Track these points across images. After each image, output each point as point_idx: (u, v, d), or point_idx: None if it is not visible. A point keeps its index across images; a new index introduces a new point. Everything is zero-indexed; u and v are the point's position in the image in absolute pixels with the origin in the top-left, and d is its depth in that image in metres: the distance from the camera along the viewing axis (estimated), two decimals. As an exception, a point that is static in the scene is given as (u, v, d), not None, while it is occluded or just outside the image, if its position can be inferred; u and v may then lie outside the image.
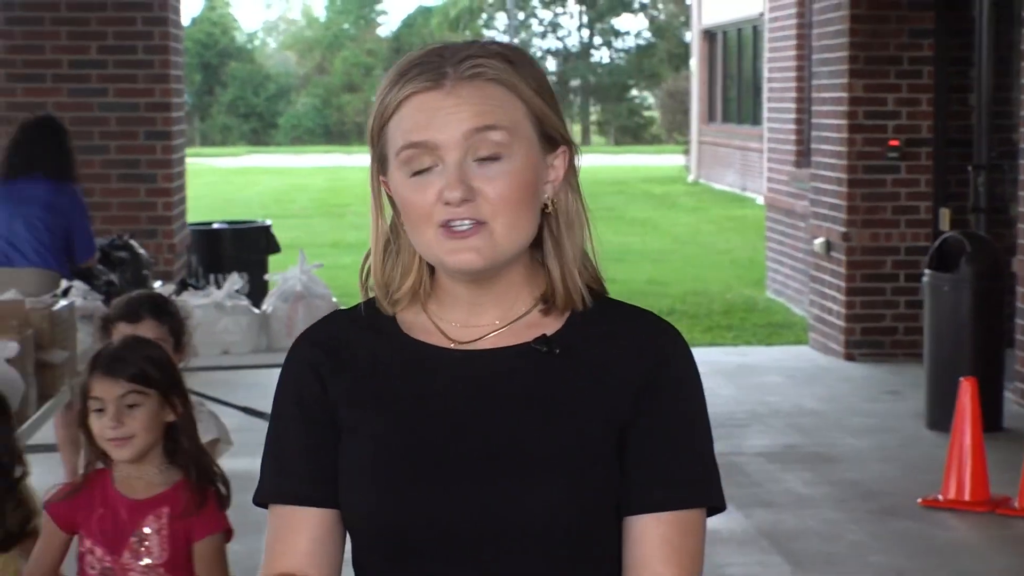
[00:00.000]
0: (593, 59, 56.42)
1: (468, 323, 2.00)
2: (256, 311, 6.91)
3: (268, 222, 12.67)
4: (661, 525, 1.96)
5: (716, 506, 2.01)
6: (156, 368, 3.67)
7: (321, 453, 2.03)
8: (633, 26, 58.67)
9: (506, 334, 1.99)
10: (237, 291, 6.89)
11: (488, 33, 53.43)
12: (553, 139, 1.96)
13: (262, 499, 2.06)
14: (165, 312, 4.42)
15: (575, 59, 57.36)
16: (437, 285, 2.00)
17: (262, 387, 7.35)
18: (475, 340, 1.99)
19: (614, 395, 1.95)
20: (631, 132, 55.05)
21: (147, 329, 4.21)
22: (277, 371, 6.11)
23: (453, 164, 1.89)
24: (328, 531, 2.08)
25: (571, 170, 2.00)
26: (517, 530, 1.92)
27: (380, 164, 1.97)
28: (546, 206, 1.96)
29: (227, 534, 3.65)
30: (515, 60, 1.94)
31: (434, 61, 1.92)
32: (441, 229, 1.90)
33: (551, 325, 1.99)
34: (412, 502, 1.94)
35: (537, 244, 1.99)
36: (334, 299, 6.95)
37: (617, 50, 56.62)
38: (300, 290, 6.85)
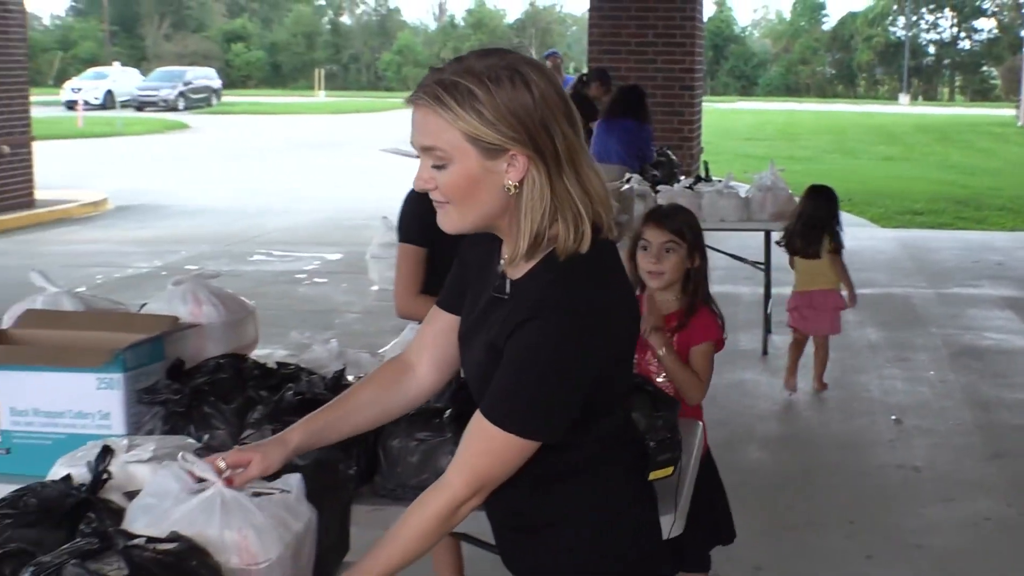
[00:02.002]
0: (959, 46, 79.45)
1: (505, 252, 2.30)
2: (741, 196, 8.63)
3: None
4: (472, 423, 2.23)
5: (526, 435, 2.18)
6: (690, 229, 4.15)
7: (460, 279, 2.46)
8: (986, 25, 79.97)
9: (510, 271, 2.29)
10: (729, 185, 8.83)
11: (891, 29, 78.88)
12: (498, 149, 2.13)
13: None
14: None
15: (948, 46, 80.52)
16: None
17: (743, 243, 10.03)
18: (502, 265, 2.30)
19: (506, 329, 2.19)
20: (981, 93, 73.84)
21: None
22: (751, 234, 9.05)
23: (423, 162, 2.20)
24: (446, 332, 2.47)
25: (541, 167, 2.14)
26: (473, 392, 2.33)
27: None
28: (510, 189, 2.16)
29: (717, 344, 4.09)
30: (475, 91, 2.11)
31: (422, 82, 2.18)
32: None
33: (519, 272, 2.26)
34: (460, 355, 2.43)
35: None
36: (790, 191, 8.67)
37: (974, 40, 79.64)
38: (768, 184, 8.65)
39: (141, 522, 2.13)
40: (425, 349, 2.50)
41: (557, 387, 2.16)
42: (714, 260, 4.80)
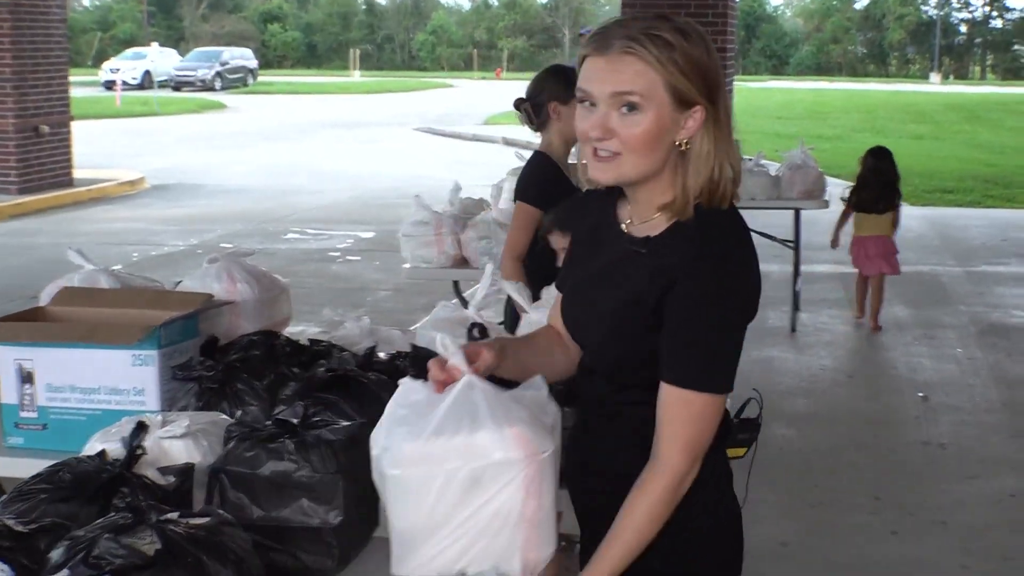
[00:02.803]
0: (991, 25, 79.01)
1: (633, 211, 2.33)
2: (772, 175, 8.68)
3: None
4: (664, 396, 2.21)
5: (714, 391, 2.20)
6: None
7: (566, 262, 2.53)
8: (1018, 4, 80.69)
9: (640, 228, 2.30)
10: (760, 163, 8.83)
11: (923, 8, 77.47)
12: (688, 101, 2.18)
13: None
14: None
15: (979, 25, 79.38)
16: None
17: (773, 221, 10.02)
18: (631, 224, 2.33)
19: (655, 286, 2.20)
20: (1012, 72, 73.83)
21: None
22: (781, 212, 9.05)
23: (602, 111, 2.19)
24: None
25: (713, 122, 2.20)
26: (589, 353, 2.35)
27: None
28: (680, 145, 2.21)
29: None
30: (670, 43, 2.15)
31: (602, 37, 2.19)
32: (592, 152, 2.22)
33: (659, 228, 2.27)
34: (567, 318, 2.43)
35: (675, 171, 2.24)
36: (819, 169, 8.69)
37: (1007, 20, 78.89)
38: (798, 163, 8.65)
39: (401, 432, 2.07)
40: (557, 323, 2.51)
41: (730, 339, 2.21)
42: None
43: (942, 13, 76.60)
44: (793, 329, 8.92)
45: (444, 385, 2.09)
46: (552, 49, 75.26)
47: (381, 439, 2.10)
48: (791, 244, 9.18)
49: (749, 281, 2.23)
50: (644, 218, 2.29)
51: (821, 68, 73.85)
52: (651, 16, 2.21)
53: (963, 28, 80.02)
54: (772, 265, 10.84)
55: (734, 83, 15.00)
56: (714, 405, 2.20)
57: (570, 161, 4.72)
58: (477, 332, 3.13)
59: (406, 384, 2.15)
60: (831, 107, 37.27)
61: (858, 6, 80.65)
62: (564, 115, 4.63)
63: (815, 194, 8.72)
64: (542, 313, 3.68)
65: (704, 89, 2.18)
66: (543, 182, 4.63)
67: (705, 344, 2.18)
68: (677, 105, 2.17)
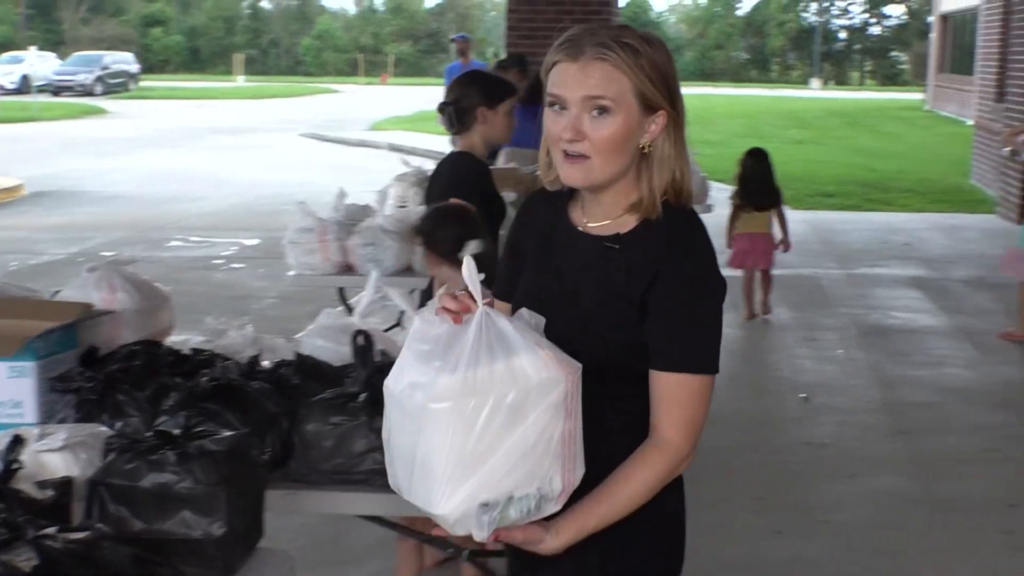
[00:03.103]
0: (869, 32, 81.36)
1: (590, 211, 2.41)
2: None
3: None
4: (663, 380, 2.30)
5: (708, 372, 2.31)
6: None
7: (507, 269, 2.53)
8: (895, 11, 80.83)
9: (605, 226, 2.38)
10: None
11: (803, 15, 79.29)
12: (653, 106, 2.28)
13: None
14: None
15: (858, 32, 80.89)
16: None
17: None
18: (590, 226, 2.40)
19: (638, 280, 2.29)
20: (890, 78, 75.14)
21: None
22: None
23: (574, 113, 2.28)
24: None
25: (673, 126, 2.32)
26: (568, 352, 2.18)
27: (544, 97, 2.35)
28: (644, 148, 2.31)
29: None
30: (637, 50, 2.26)
31: (574, 44, 2.27)
32: (562, 153, 2.31)
33: (628, 226, 2.35)
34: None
35: (638, 172, 2.33)
36: (703, 174, 8.58)
37: (885, 26, 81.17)
38: None
39: (433, 366, 2.06)
40: None
41: (717, 321, 2.32)
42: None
43: (822, 20, 78.11)
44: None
45: (460, 316, 2.12)
46: (438, 54, 75.24)
47: (408, 376, 2.11)
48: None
49: (719, 270, 2.37)
50: (610, 217, 2.37)
51: (705, 74, 74.83)
52: (617, 25, 2.33)
53: (842, 35, 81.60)
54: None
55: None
56: (710, 385, 2.33)
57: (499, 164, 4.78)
58: (362, 339, 3.12)
59: (423, 319, 2.16)
60: (715, 113, 37.76)
61: (740, 13, 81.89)
62: (490, 120, 4.79)
63: (699, 199, 8.82)
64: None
65: (667, 94, 2.30)
66: (476, 180, 4.73)
67: (698, 328, 2.30)
68: (643, 109, 2.28)
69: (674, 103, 2.32)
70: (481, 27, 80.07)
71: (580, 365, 2.14)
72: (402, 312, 3.78)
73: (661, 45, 2.31)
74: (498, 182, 6.37)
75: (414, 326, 2.16)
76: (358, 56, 73.06)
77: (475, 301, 2.11)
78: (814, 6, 79.59)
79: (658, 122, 2.30)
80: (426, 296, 4.72)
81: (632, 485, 2.28)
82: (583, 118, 2.27)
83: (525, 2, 13.89)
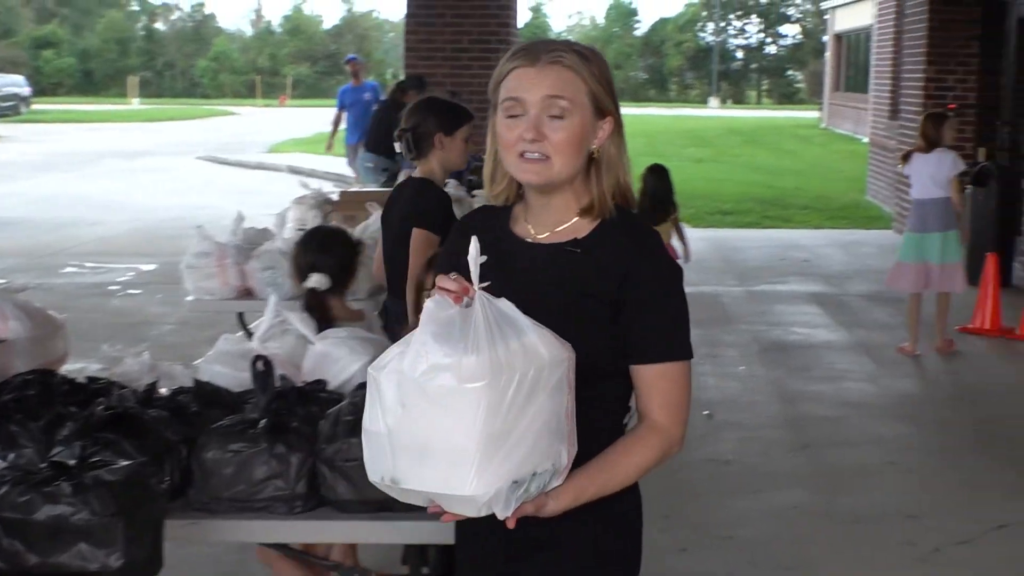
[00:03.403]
0: (766, 51, 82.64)
1: (539, 222, 2.48)
2: None
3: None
4: (648, 372, 2.40)
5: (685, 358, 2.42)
6: None
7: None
8: (791, 31, 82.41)
9: (557, 234, 2.46)
10: None
11: (700, 35, 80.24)
12: (603, 111, 2.41)
13: None
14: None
15: (755, 51, 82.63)
16: (525, 194, 2.49)
17: None
18: (540, 235, 2.47)
19: (607, 280, 2.38)
20: (787, 96, 76.52)
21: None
22: None
23: (533, 115, 2.37)
24: None
25: (617, 132, 2.45)
26: None
27: (494, 109, 2.43)
28: (593, 152, 2.43)
29: None
30: (588, 57, 2.40)
31: (530, 52, 2.39)
32: (519, 156, 2.39)
33: (585, 230, 2.44)
34: None
35: (587, 176, 2.44)
36: None
37: (780, 46, 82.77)
38: None
39: (456, 347, 2.10)
40: None
41: (686, 308, 2.45)
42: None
43: (719, 40, 79.11)
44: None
45: (460, 297, 2.16)
46: (336, 76, 74.96)
47: (428, 359, 2.11)
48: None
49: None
50: (561, 223, 2.46)
51: (604, 94, 75.59)
52: (561, 39, 2.52)
53: (739, 54, 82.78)
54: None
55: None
56: (689, 369, 2.45)
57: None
58: (261, 365, 3.10)
59: (436, 302, 2.18)
60: (615, 132, 38.08)
61: (638, 33, 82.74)
62: (447, 146, 4.92)
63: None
64: (330, 344, 3.66)
65: (612, 101, 2.43)
66: (439, 208, 4.78)
67: (676, 318, 2.42)
68: (595, 112, 2.41)
69: (618, 110, 2.45)
70: (380, 48, 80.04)
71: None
72: (301, 336, 3.75)
73: (602, 56, 2.45)
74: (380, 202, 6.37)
75: (427, 308, 2.17)
76: (255, 78, 72.59)
77: (471, 284, 2.16)
78: (711, 26, 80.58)
79: (605, 127, 2.43)
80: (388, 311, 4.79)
81: (632, 459, 2.39)
82: (542, 119, 2.37)
83: (423, 23, 13.93)
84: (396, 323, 4.70)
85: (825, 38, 45.18)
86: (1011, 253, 11.47)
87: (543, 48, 2.40)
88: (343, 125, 16.00)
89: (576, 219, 2.45)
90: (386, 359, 2.17)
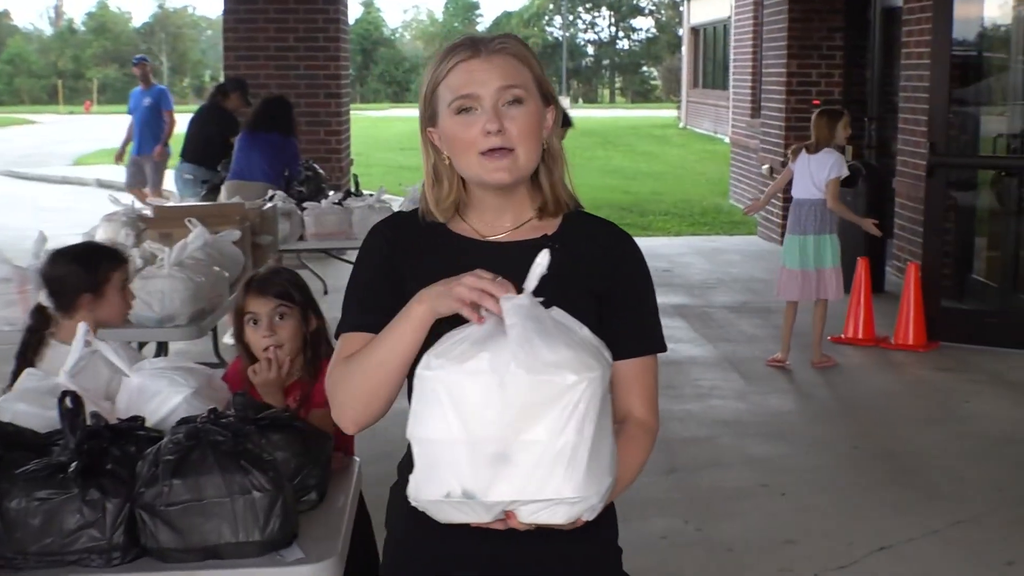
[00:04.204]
0: (618, 46, 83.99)
1: (492, 224, 2.52)
2: (395, 210, 9.18)
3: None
4: (631, 366, 2.50)
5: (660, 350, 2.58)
6: (297, 288, 4.08)
7: (380, 296, 2.49)
8: (644, 24, 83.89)
9: (519, 232, 2.52)
10: (382, 199, 8.97)
11: (548, 29, 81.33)
12: (547, 99, 2.49)
13: (339, 332, 2.53)
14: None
15: (606, 46, 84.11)
16: (471, 197, 2.52)
17: None
18: (497, 235, 2.52)
19: (593, 274, 2.48)
20: (642, 95, 78.21)
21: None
22: None
23: (490, 107, 2.40)
24: None
25: (555, 124, 2.52)
26: None
27: (430, 119, 2.48)
28: (544, 144, 2.49)
29: None
30: (527, 45, 2.49)
31: (471, 43, 2.45)
32: (482, 156, 2.41)
33: (550, 227, 2.53)
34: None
35: (535, 173, 2.50)
36: None
37: (633, 40, 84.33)
38: None
39: (549, 345, 2.15)
40: None
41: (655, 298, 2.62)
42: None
43: (568, 35, 79.83)
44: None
45: (496, 303, 2.22)
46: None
47: (537, 355, 2.15)
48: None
49: None
50: (518, 222, 2.53)
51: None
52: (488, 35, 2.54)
53: (590, 50, 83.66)
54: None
55: (351, 113, 15.13)
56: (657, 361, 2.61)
57: None
58: (70, 402, 3.01)
59: (513, 300, 2.21)
60: (457, 136, 38.27)
61: (481, 27, 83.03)
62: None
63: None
64: (147, 376, 3.58)
65: (551, 90, 2.52)
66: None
67: (652, 311, 2.58)
68: (542, 99, 2.49)
69: (558, 103, 2.55)
70: (196, 48, 79.14)
71: None
72: (116, 368, 3.66)
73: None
74: (219, 219, 6.27)
75: (512, 306, 2.19)
76: (57, 82, 71.21)
77: (520, 291, 2.23)
78: (559, 20, 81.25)
79: (550, 117, 2.51)
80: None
81: (631, 462, 2.47)
82: (499, 110, 2.42)
83: (243, 20, 13.79)
84: None
85: (681, 32, 45.94)
86: (883, 257, 11.73)
87: (480, 40, 2.46)
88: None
89: (532, 218, 2.54)
90: (449, 361, 2.16)
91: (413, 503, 2.23)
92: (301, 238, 8.92)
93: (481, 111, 2.41)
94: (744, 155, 18.30)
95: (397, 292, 2.46)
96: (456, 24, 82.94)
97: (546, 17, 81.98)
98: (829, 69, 14.39)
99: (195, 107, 14.64)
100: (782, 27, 14.69)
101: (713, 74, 34.97)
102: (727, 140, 20.62)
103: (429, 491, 2.19)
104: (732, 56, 21.16)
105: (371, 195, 9.06)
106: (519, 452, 2.12)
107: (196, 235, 6.19)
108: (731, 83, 21.58)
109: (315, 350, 3.98)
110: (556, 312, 2.25)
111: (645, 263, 2.59)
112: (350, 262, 12.01)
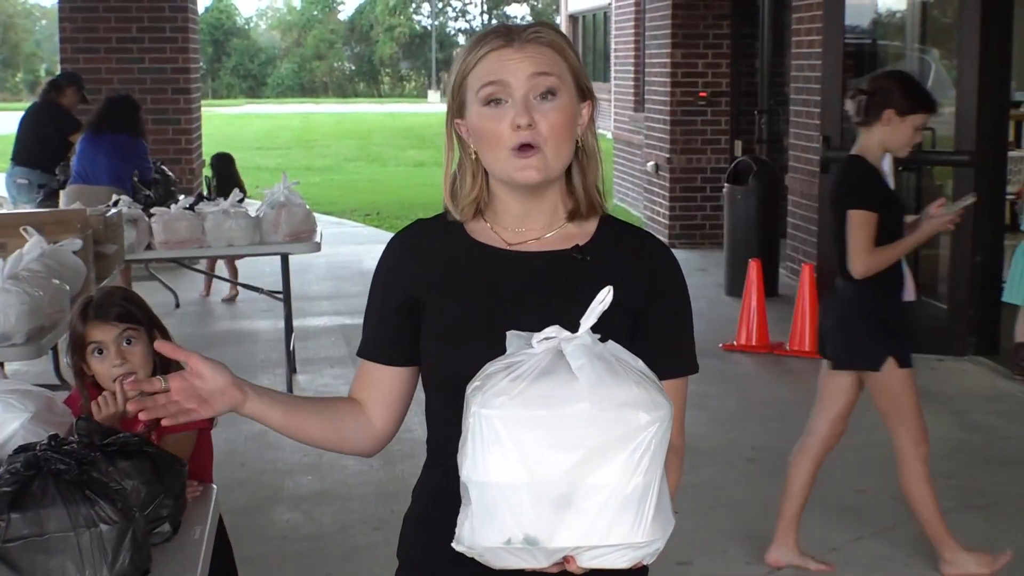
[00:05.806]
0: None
1: (517, 229, 2.51)
2: (252, 216, 8.67)
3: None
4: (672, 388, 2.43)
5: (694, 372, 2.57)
6: (138, 307, 4.03)
7: (397, 325, 2.55)
8: (519, 12, 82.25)
9: (547, 241, 2.50)
10: (237, 203, 8.78)
11: (416, 18, 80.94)
12: (583, 92, 2.50)
13: (358, 354, 2.63)
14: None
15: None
16: (494, 199, 2.51)
17: (258, 269, 9.97)
18: (523, 243, 2.50)
19: (631, 288, 2.45)
20: (518, 88, 76.34)
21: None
22: (266, 258, 9.12)
23: (520, 98, 2.40)
24: (395, 384, 2.62)
25: (592, 119, 2.53)
26: None
27: (458, 110, 2.50)
28: (577, 142, 2.49)
29: (203, 429, 4.01)
30: (564, 34, 2.50)
31: (504, 31, 2.46)
32: (512, 151, 2.41)
33: (581, 236, 2.51)
34: (468, 357, 2.32)
35: (568, 172, 2.50)
36: (307, 207, 8.87)
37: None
38: (283, 201, 8.71)
39: (619, 382, 2.17)
40: (375, 403, 2.64)
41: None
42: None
43: (437, 23, 79.66)
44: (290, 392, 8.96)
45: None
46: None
47: (610, 394, 2.15)
48: (280, 296, 9.24)
49: None
50: (549, 229, 2.51)
51: (305, 89, 75.16)
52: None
53: (461, 40, 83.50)
54: (261, 322, 10.87)
55: (202, 109, 14.99)
56: None
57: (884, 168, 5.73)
58: None
59: (589, 337, 2.22)
60: (319, 133, 38.07)
61: (343, 16, 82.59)
62: (894, 124, 5.41)
63: (304, 236, 8.79)
64: None
65: (588, 83, 2.51)
66: (869, 186, 5.43)
67: (690, 328, 2.57)
68: (578, 93, 2.48)
69: (595, 98, 2.54)
70: (30, 39, 77.84)
71: None
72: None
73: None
74: (58, 227, 6.15)
75: (576, 347, 2.18)
76: None
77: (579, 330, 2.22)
78: (427, 8, 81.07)
79: (586, 112, 2.50)
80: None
81: (673, 481, 2.44)
82: (531, 102, 2.41)
83: (80, 9, 13.62)
84: (851, 305, 5.54)
85: (559, 19, 46.14)
86: (775, 258, 11.79)
87: (514, 28, 2.46)
88: None
89: (565, 223, 2.52)
90: (511, 400, 2.14)
91: (465, 550, 2.20)
92: (149, 247, 8.73)
93: (511, 103, 2.41)
94: (628, 152, 18.41)
95: (404, 313, 2.54)
96: (315, 12, 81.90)
97: (413, 5, 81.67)
98: (716, 59, 14.49)
99: (28, 105, 14.34)
100: (665, 15, 14.76)
101: (593, 65, 35.04)
102: (609, 136, 20.62)
103: (488, 537, 2.17)
104: (613, 46, 21.24)
105: (225, 199, 8.91)
106: (585, 495, 2.13)
107: (32, 245, 6.06)
108: (612, 75, 21.56)
109: (165, 369, 3.81)
110: (612, 346, 2.23)
111: (683, 277, 2.58)
112: (202, 271, 11.93)
